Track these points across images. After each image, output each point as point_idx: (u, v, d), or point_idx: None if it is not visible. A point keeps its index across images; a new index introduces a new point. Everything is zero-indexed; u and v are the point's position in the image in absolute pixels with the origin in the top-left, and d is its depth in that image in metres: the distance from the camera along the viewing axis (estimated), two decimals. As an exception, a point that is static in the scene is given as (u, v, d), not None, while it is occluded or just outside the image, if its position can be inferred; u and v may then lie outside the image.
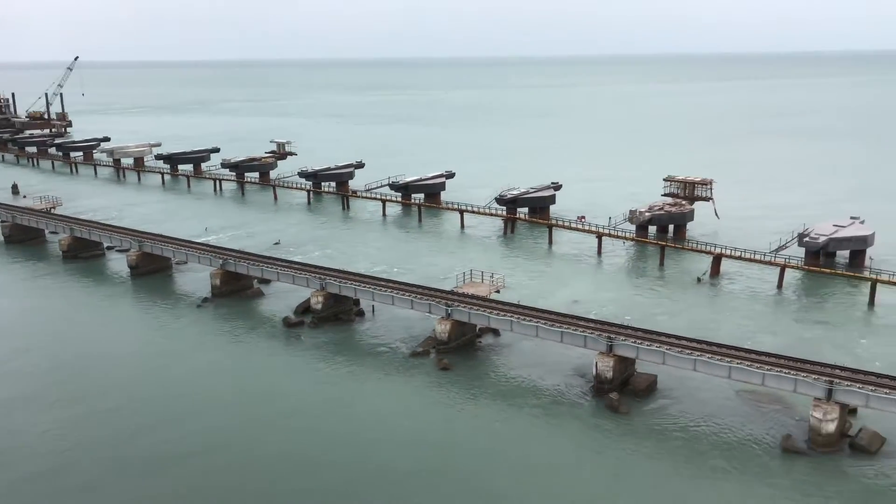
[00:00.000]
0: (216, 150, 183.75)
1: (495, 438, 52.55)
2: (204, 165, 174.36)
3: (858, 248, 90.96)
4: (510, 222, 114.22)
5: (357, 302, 78.25)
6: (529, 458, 50.04)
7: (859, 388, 49.97)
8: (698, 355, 55.79)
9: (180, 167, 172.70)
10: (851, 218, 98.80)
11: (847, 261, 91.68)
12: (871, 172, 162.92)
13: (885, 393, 49.15)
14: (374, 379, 62.51)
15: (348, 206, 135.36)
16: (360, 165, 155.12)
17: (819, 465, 48.25)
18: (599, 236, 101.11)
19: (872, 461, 48.55)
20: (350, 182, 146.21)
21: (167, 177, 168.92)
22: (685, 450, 50.65)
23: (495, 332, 70.79)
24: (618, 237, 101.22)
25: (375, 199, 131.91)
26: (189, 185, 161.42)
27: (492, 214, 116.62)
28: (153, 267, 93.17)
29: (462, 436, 53.12)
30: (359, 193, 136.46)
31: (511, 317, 64.71)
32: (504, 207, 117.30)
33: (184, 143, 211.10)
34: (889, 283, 77.71)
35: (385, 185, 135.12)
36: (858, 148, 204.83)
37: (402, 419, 55.55)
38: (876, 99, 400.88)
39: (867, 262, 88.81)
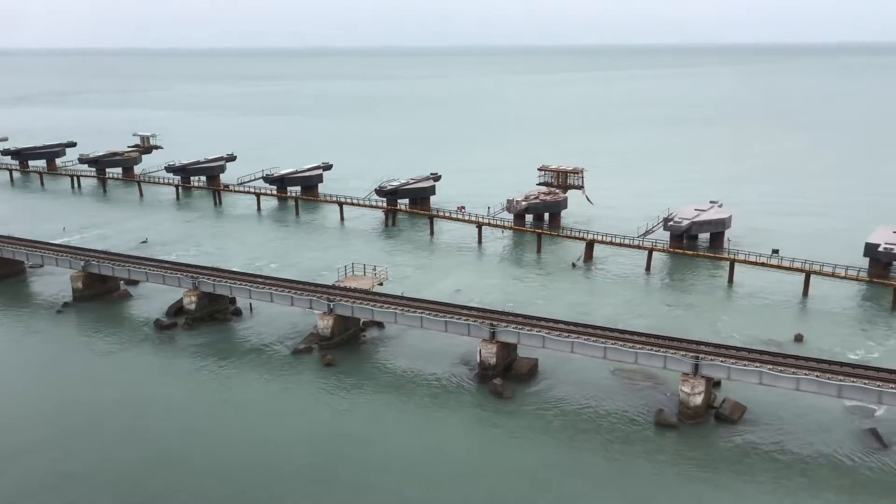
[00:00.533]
0: (72, 145, 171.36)
1: (383, 430, 52.11)
2: (59, 161, 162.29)
3: (718, 230, 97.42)
4: (391, 214, 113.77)
5: (233, 301, 75.29)
6: (418, 448, 50.03)
7: (722, 361, 53.43)
8: (576, 338, 57.72)
9: (31, 163, 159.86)
10: (711, 202, 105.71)
11: (708, 243, 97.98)
12: (731, 159, 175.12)
13: (744, 365, 52.80)
14: (257, 379, 60.39)
15: (220, 201, 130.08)
16: (231, 158, 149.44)
17: (688, 436, 51.22)
18: (479, 226, 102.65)
19: (735, 429, 52.05)
20: (221, 176, 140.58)
21: (16, 174, 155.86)
22: (567, 429, 52.32)
23: (380, 325, 70.22)
24: (496, 226, 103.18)
25: (249, 192, 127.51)
26: (42, 183, 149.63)
27: (372, 206, 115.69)
28: (4, 272, 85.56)
29: (350, 430, 52.32)
30: (231, 188, 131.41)
31: (395, 309, 64.37)
32: (384, 199, 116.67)
33: (37, 137, 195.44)
34: (745, 262, 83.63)
35: (259, 179, 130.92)
36: (721, 135, 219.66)
37: (288, 418, 54.03)
38: (747, 89, 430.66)
39: (725, 244, 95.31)
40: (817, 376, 50.82)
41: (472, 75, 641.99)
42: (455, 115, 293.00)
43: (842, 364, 53.29)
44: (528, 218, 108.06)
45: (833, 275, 78.53)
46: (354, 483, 46.23)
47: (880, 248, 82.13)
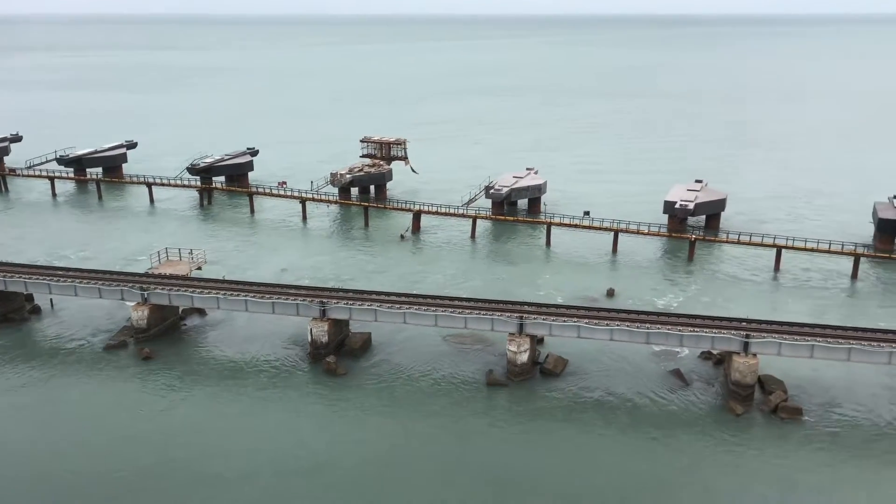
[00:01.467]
0: None
1: (214, 421, 49.50)
2: None
3: (535, 196, 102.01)
4: (206, 193, 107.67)
5: (30, 297, 67.78)
6: (252, 434, 48.09)
7: (544, 320, 56.14)
8: (407, 308, 58.00)
9: None
10: (528, 169, 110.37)
11: (526, 208, 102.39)
12: (544, 127, 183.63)
13: (564, 321, 55.86)
14: (66, 380, 54.90)
15: (6, 188, 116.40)
16: (16, 139, 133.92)
17: (517, 392, 53.51)
18: (303, 201, 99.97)
19: (560, 380, 55.14)
20: (6, 159, 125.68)
21: None
22: (403, 398, 52.72)
23: (201, 312, 66.39)
24: (321, 201, 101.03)
25: (41, 176, 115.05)
26: None
27: (185, 186, 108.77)
28: None
29: (178, 425, 49.15)
30: (19, 171, 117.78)
31: (217, 294, 61.00)
32: (198, 177, 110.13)
33: None
34: (560, 224, 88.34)
35: (52, 161, 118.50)
36: (537, 104, 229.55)
37: (107, 420, 49.68)
38: (566, 58, 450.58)
39: (542, 209, 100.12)
40: (628, 326, 54.89)
41: (296, 46, 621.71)
42: (276, 88, 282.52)
43: (648, 313, 57.94)
44: (354, 191, 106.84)
45: (638, 232, 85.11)
46: (190, 481, 43.52)
47: (676, 206, 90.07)
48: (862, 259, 77.26)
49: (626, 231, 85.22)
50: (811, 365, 54.78)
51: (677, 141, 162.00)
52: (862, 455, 45.91)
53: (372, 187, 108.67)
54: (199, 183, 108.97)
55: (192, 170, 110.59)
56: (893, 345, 50.67)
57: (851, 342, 51.34)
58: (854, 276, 76.08)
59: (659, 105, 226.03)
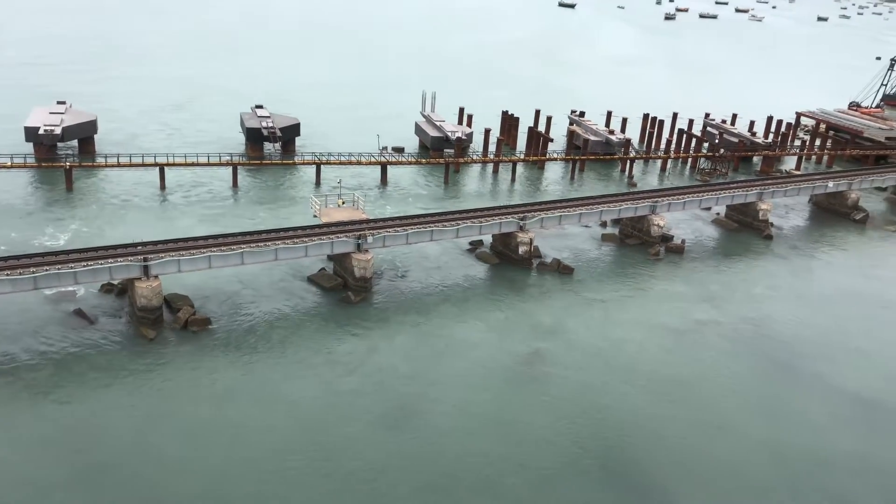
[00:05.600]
0: None
1: None
2: None
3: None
4: None
5: None
6: None
7: None
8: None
9: None
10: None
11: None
12: None
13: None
14: None
15: None
16: None
17: None
18: None
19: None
20: None
21: None
22: None
23: None
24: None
25: None
26: None
27: None
28: None
29: None
30: None
31: None
32: None
33: None
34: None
35: None
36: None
37: None
38: None
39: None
40: (8, 275, 47.31)
41: None
42: None
43: (31, 256, 50.95)
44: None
45: (1, 166, 73.36)
46: None
47: (41, 132, 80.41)
48: (239, 168, 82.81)
49: (-15, 166, 72.44)
50: (211, 275, 56.82)
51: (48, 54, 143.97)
52: (263, 349, 50.37)
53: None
54: None
55: None
56: (277, 242, 56.20)
57: (242, 246, 54.94)
58: (234, 184, 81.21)
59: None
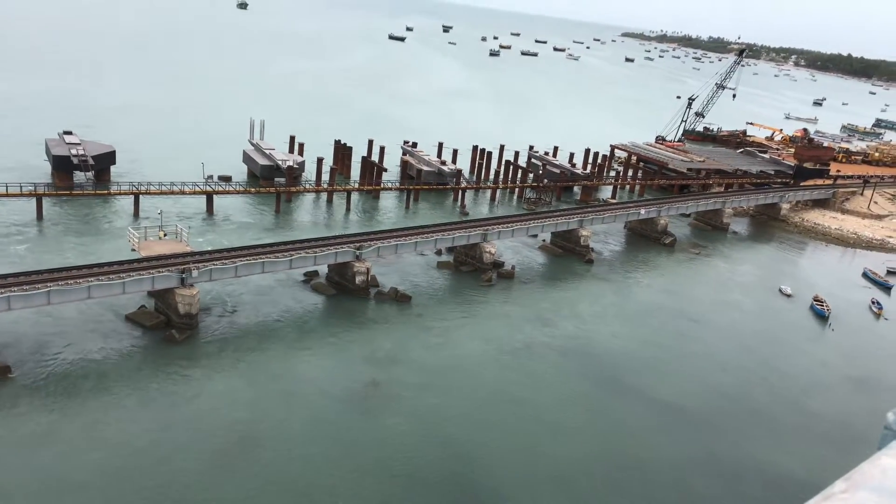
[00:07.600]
0: None
1: None
2: None
3: None
4: None
5: None
6: None
7: None
8: None
9: None
10: None
11: None
12: None
13: None
14: None
15: None
16: None
17: None
18: None
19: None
20: None
21: None
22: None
23: None
24: None
25: None
26: None
27: None
28: None
29: None
30: None
31: None
32: None
33: None
34: None
35: None
36: None
37: None
38: None
39: None
40: None
41: None
42: None
43: None
44: None
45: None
46: None
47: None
48: (44, 199, 75.34)
49: None
50: (14, 317, 50.83)
51: None
52: (74, 396, 45.66)
53: None
54: None
55: None
56: (90, 279, 51.46)
57: (49, 285, 49.74)
58: (39, 217, 73.69)
59: None
